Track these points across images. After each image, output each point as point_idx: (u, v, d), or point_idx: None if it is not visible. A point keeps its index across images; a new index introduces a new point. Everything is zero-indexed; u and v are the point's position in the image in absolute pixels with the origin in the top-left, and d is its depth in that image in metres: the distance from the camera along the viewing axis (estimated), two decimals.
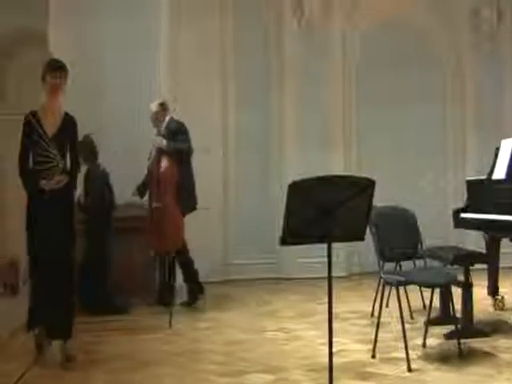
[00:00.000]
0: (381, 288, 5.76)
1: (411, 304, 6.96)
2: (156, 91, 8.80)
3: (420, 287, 6.71)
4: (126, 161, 8.23)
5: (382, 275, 5.72)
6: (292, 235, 4.12)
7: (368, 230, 4.51)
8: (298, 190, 4.01)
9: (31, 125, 5.67)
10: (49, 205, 5.58)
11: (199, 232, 9.38)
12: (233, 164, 10.20)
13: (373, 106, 10.37)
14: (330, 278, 4.14)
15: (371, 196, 4.22)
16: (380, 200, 5.10)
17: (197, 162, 9.00)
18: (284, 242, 4.15)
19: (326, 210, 4.05)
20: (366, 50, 10.52)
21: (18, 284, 9.22)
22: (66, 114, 5.81)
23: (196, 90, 9.69)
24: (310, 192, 4.03)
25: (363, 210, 4.24)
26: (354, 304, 7.84)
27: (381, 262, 5.79)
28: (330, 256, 4.16)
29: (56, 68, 5.75)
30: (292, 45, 10.29)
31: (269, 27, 10.37)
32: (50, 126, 5.69)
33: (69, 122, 5.80)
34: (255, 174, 10.15)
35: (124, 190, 7.94)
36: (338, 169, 9.87)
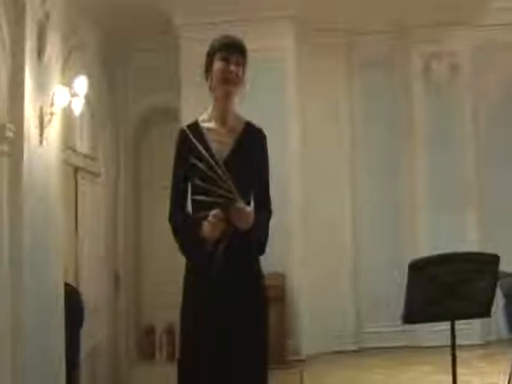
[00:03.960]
0: None
1: None
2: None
3: None
4: None
5: None
6: (414, 314, 4.10)
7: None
8: (418, 270, 3.99)
9: (189, 143, 3.46)
10: (221, 284, 3.36)
11: (329, 297, 9.47)
12: (364, 227, 10.20)
13: (506, 166, 10.16)
14: (453, 358, 4.07)
15: (495, 272, 4.15)
16: None
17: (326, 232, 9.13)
18: (406, 320, 4.13)
19: (447, 289, 4.02)
20: (496, 109, 10.36)
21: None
22: (249, 125, 3.65)
23: (324, 156, 9.93)
24: (431, 271, 4.00)
25: (487, 286, 4.17)
26: (488, 376, 7.55)
27: None
28: (453, 337, 4.10)
29: (233, 48, 3.54)
30: (421, 106, 10.26)
31: (397, 91, 10.39)
32: (222, 143, 3.54)
33: (253, 137, 3.62)
34: (386, 237, 10.10)
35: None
36: (471, 233, 9.72)
